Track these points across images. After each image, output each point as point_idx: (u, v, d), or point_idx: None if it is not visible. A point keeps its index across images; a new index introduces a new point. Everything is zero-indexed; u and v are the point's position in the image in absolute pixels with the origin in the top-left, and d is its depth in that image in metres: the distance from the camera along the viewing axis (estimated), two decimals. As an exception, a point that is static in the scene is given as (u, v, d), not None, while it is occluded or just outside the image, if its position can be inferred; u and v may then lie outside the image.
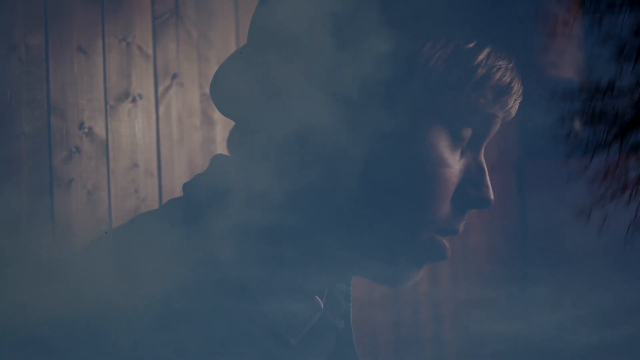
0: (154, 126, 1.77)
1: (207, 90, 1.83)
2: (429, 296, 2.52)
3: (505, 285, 2.74)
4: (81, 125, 1.62)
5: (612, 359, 2.19)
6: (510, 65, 0.79)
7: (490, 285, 2.70)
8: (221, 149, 1.83)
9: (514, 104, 0.80)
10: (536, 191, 2.83)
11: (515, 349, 2.48)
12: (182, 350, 0.74)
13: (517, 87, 0.80)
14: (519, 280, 2.78)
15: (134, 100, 1.73)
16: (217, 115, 1.86)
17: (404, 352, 2.42)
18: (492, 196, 0.81)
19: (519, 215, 2.85)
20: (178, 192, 0.91)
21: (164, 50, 1.80)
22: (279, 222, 0.77)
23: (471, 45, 0.76)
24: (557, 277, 2.68)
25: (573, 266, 2.67)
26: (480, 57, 0.76)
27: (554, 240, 2.81)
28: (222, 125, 1.88)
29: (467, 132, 0.78)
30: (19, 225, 1.48)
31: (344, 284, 0.91)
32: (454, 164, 0.78)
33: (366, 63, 0.75)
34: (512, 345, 2.46)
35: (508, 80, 0.78)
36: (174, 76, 1.82)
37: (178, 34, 1.83)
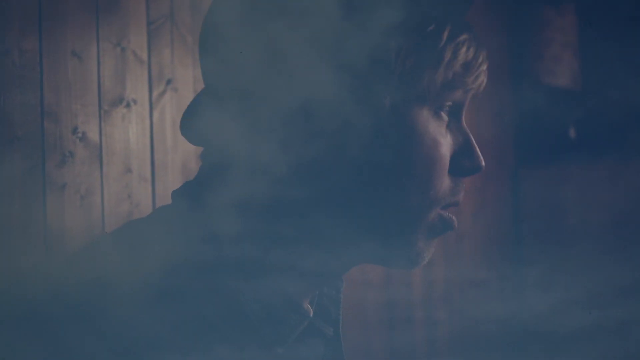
0: (148, 131, 1.76)
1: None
2: (422, 277, 2.52)
3: (498, 266, 2.75)
4: (75, 130, 1.62)
5: (603, 340, 2.19)
6: (471, 35, 0.82)
7: (483, 267, 2.71)
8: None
9: (483, 72, 0.84)
10: (530, 173, 2.84)
11: (507, 330, 2.49)
12: (177, 327, 0.74)
13: (482, 56, 0.83)
14: (512, 262, 2.79)
15: (128, 106, 1.72)
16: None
17: (396, 333, 2.42)
18: (483, 161, 0.86)
19: (513, 198, 2.86)
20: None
21: (159, 55, 1.80)
22: (273, 201, 0.79)
23: (432, 28, 0.79)
24: (549, 259, 2.70)
25: (565, 248, 2.69)
26: (445, 37, 0.79)
27: (547, 222, 2.83)
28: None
29: (448, 107, 0.82)
30: (12, 230, 1.48)
31: (333, 290, 0.91)
32: (444, 140, 0.82)
33: (348, 64, 0.77)
34: (504, 326, 2.47)
35: (473, 51, 0.82)
36: (169, 81, 1.82)
37: (173, 39, 1.83)
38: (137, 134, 1.74)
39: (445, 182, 0.82)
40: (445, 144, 0.82)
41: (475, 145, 0.85)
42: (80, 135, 1.62)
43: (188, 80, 1.86)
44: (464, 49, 0.81)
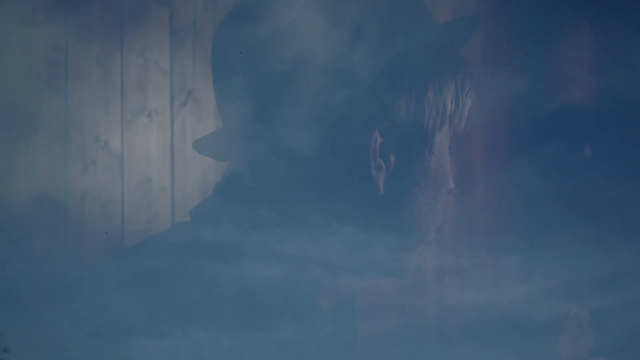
0: (169, 141, 1.78)
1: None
2: (400, 263, 2.51)
3: (478, 254, 2.74)
4: (97, 139, 1.64)
5: (579, 330, 2.19)
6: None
7: (462, 254, 2.70)
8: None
9: None
10: (511, 164, 2.84)
11: (485, 319, 2.47)
12: (153, 309, 0.74)
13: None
14: (492, 250, 2.78)
15: (149, 115, 1.74)
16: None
17: (372, 320, 2.41)
18: None
19: (495, 188, 2.85)
20: (190, 207, 0.92)
21: (181, 66, 1.82)
22: (254, 185, 0.80)
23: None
24: (529, 248, 2.69)
25: (545, 237, 2.68)
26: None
27: (527, 211, 2.82)
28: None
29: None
30: (34, 237, 1.50)
31: (349, 304, 0.93)
32: None
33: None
34: (482, 315, 2.45)
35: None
36: (190, 92, 1.84)
37: (195, 51, 1.85)
38: (158, 143, 1.76)
39: None
40: None
41: None
42: (102, 143, 1.64)
43: (209, 91, 1.88)
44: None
